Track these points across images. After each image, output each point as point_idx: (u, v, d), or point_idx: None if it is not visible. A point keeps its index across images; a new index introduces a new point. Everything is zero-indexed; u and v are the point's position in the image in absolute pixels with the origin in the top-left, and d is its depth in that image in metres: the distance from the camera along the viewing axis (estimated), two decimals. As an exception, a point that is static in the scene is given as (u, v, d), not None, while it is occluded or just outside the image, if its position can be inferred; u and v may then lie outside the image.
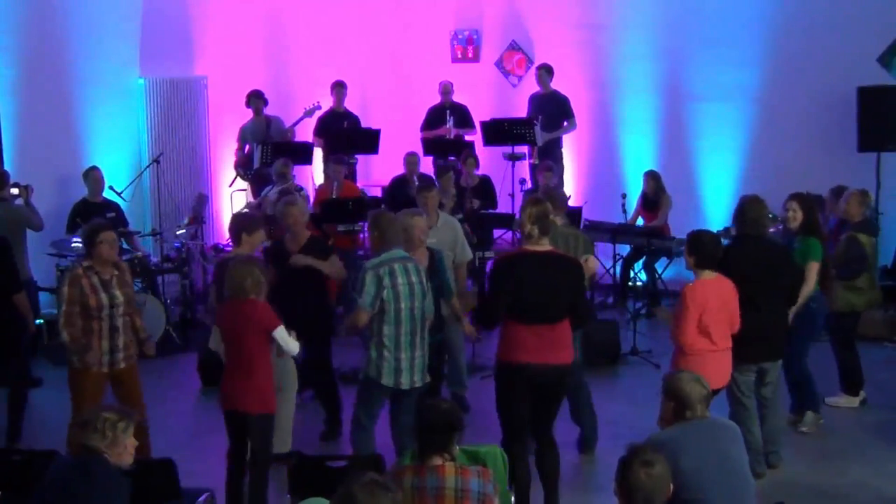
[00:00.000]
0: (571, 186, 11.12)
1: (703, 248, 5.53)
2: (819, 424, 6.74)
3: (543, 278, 5.11)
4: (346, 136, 10.65)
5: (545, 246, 5.21)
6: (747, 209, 5.90)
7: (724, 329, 5.51)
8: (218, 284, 5.97)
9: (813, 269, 6.31)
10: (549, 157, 10.39)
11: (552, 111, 10.70)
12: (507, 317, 5.19)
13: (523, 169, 10.62)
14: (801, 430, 6.70)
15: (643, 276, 10.04)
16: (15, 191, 8.15)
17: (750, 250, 5.86)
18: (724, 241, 8.73)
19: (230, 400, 5.31)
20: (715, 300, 5.46)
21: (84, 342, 5.66)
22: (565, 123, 10.80)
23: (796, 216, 6.47)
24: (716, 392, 5.35)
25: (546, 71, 10.78)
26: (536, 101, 10.84)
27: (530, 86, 11.06)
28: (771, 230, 8.34)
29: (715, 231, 6.23)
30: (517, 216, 6.71)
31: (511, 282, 5.12)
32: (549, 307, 5.16)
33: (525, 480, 5.33)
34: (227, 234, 10.40)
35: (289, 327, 5.41)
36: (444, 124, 10.93)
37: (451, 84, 11.17)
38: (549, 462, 5.40)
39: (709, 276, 5.53)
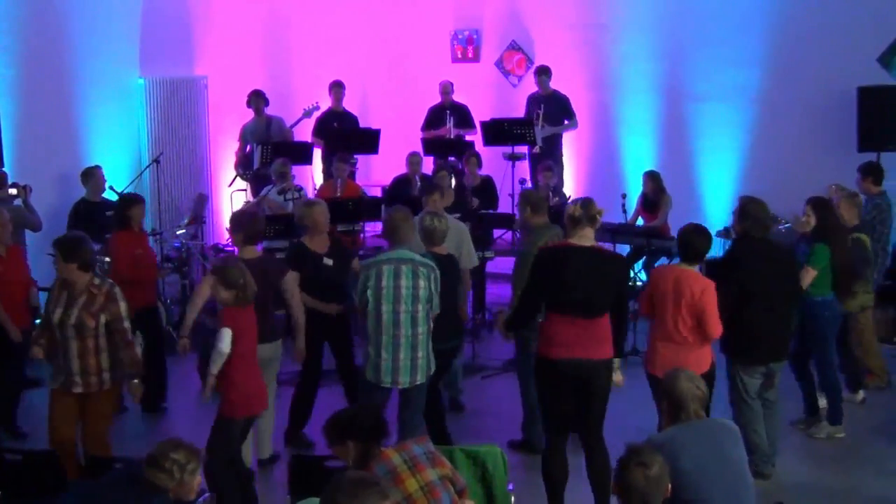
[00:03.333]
0: (571, 186, 11.12)
1: (683, 244, 5.56)
2: (836, 438, 6.61)
3: (587, 272, 5.09)
4: (345, 135, 10.64)
5: (590, 240, 5.20)
6: (750, 210, 5.87)
7: (682, 322, 5.37)
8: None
9: (807, 275, 6.24)
10: (550, 157, 10.39)
11: (553, 110, 10.70)
12: (549, 311, 5.18)
13: (523, 169, 10.61)
14: (815, 436, 6.66)
15: (643, 276, 10.03)
16: (13, 191, 8.14)
17: (755, 249, 5.83)
18: (724, 242, 8.91)
19: (261, 401, 5.41)
20: (669, 285, 5.41)
21: (40, 348, 5.46)
22: (566, 122, 10.81)
23: (809, 220, 6.40)
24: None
25: (545, 74, 10.78)
26: (537, 101, 10.84)
27: (530, 86, 11.05)
28: (781, 228, 8.28)
29: (714, 231, 6.21)
30: (517, 216, 6.66)
31: (554, 275, 5.09)
32: (593, 302, 5.12)
33: (560, 475, 5.29)
34: (227, 235, 10.47)
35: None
36: (445, 124, 10.93)
37: (451, 84, 11.16)
38: (598, 466, 5.28)
39: (684, 266, 5.52)
